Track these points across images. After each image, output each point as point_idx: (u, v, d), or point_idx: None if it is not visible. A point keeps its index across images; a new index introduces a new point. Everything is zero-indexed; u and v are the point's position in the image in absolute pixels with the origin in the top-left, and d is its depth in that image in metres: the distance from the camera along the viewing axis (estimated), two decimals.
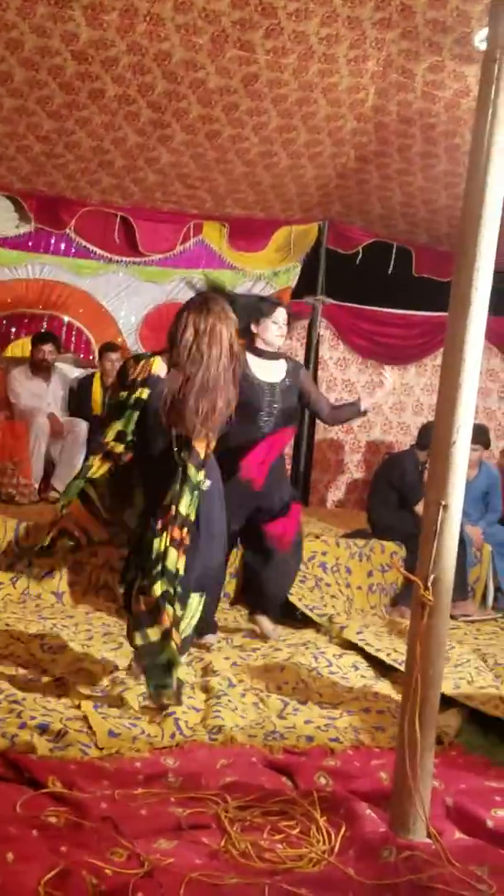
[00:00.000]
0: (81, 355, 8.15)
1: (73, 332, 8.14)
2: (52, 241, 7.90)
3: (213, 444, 4.23)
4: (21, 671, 4.49)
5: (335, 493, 9.00)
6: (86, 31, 5.43)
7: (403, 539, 6.79)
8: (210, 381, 4.07)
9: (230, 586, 6.28)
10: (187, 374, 4.06)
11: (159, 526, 4.02)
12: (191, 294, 4.56)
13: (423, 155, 6.87)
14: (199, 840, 2.99)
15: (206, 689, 4.45)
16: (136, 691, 4.27)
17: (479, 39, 3.22)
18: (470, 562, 6.89)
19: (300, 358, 8.87)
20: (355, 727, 4.18)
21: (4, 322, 8.03)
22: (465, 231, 3.08)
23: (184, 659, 4.35)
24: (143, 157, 6.93)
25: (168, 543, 3.99)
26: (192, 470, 4.04)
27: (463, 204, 3.12)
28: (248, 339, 5.39)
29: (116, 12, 5.29)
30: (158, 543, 4.01)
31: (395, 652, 5.38)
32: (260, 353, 5.42)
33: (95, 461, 4.12)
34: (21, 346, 7.88)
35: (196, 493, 4.06)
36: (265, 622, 5.66)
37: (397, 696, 4.43)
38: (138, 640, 4.02)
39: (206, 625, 5.14)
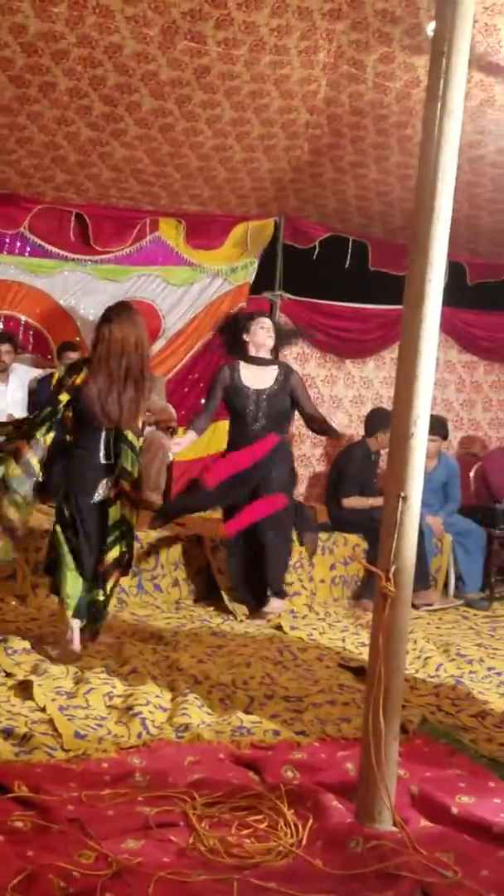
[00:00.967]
0: (39, 355, 8.09)
1: (31, 332, 8.08)
2: (7, 240, 7.82)
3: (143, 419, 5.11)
4: None
5: (298, 488, 9.02)
6: (34, 22, 5.36)
7: (362, 531, 6.83)
8: (118, 383, 4.80)
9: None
10: (98, 382, 4.78)
11: (112, 495, 4.85)
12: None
13: (376, 146, 6.88)
14: (167, 838, 3.00)
15: (172, 688, 4.46)
16: (101, 691, 4.27)
17: (431, 29, 3.23)
18: (431, 552, 6.95)
19: None
20: (321, 719, 4.20)
21: None
22: (419, 224, 3.10)
23: None
24: (96, 153, 6.88)
25: (120, 509, 4.86)
26: (131, 435, 4.87)
27: (415, 197, 3.15)
28: (242, 349, 6.10)
29: (65, 4, 5.21)
30: (114, 512, 4.85)
31: (342, 644, 5.46)
32: (252, 361, 6.02)
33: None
34: None
35: (135, 454, 4.89)
36: (277, 602, 6.04)
37: (362, 687, 4.46)
38: (100, 597, 4.84)
39: None
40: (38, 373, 7.76)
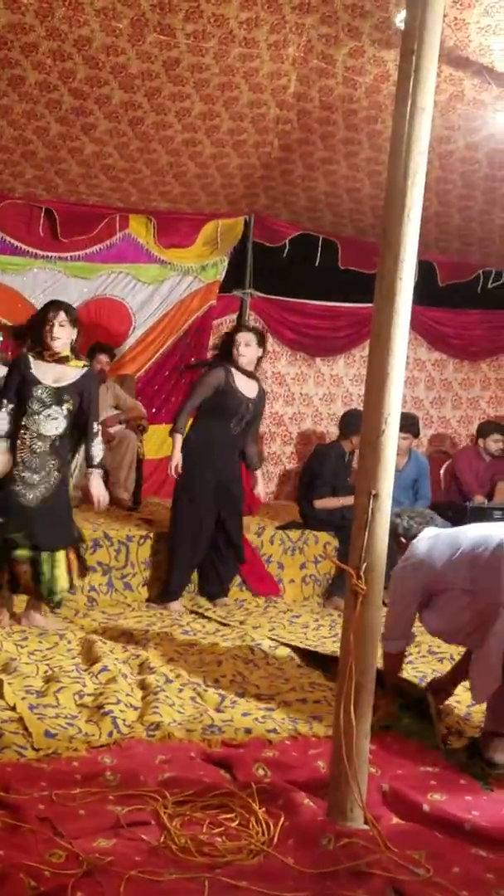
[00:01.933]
0: (10, 353, 8.04)
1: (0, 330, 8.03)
2: None
3: None
4: None
5: (268, 485, 9.02)
6: (3, 14, 5.30)
7: (333, 529, 6.84)
8: None
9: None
10: None
11: None
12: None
13: (345, 142, 6.88)
14: (139, 837, 2.99)
15: (143, 686, 4.44)
16: (71, 690, 4.25)
17: (400, 20, 3.23)
18: None
19: None
20: (293, 717, 4.20)
21: None
22: (389, 222, 3.10)
23: None
24: (66, 148, 6.83)
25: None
26: None
27: (385, 195, 3.15)
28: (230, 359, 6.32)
29: None
30: None
31: (306, 640, 5.50)
32: (241, 371, 6.30)
33: None
34: None
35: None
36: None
37: (333, 685, 4.47)
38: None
39: None
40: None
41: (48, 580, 5.20)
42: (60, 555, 5.24)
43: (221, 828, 3.11)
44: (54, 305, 5.38)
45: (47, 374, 5.25)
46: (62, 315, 5.27)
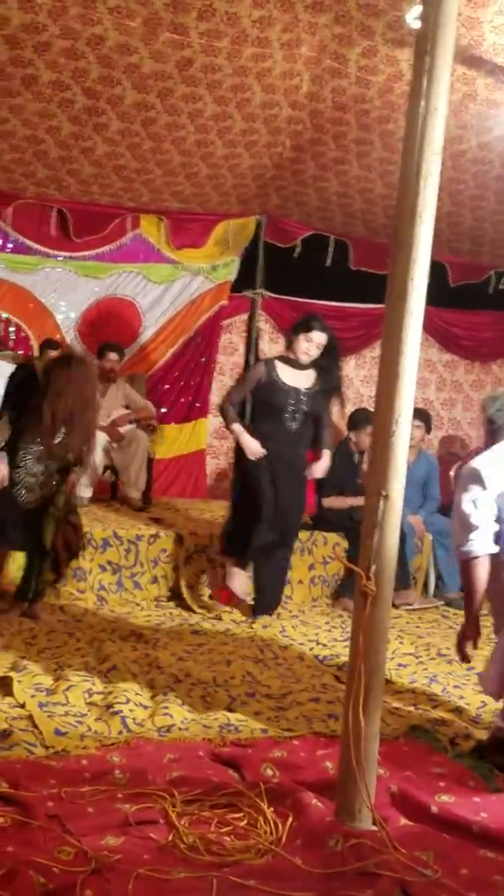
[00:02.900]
0: (21, 352, 8.06)
1: (11, 328, 8.06)
2: None
3: None
4: None
5: None
6: (17, 14, 5.31)
7: (342, 530, 6.83)
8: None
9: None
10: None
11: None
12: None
13: (357, 142, 6.87)
14: (147, 835, 2.99)
15: (151, 686, 4.45)
16: (81, 688, 4.25)
17: (412, 17, 3.22)
18: (411, 551, 6.95)
19: (240, 352, 8.89)
20: (307, 716, 4.20)
21: None
22: (401, 222, 3.10)
23: None
24: (78, 147, 6.85)
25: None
26: None
27: (398, 194, 3.14)
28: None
29: None
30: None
31: (316, 645, 5.49)
32: (289, 363, 5.95)
33: None
34: None
35: None
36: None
37: (342, 686, 4.47)
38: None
39: None
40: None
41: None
42: None
43: (229, 827, 3.11)
44: None
45: None
46: None
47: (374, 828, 3.07)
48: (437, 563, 7.29)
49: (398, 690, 4.72)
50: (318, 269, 8.59)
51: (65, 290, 8.11)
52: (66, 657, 4.78)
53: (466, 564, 3.66)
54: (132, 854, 2.84)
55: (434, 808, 3.29)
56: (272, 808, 3.20)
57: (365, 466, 6.66)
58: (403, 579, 6.56)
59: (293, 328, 6.04)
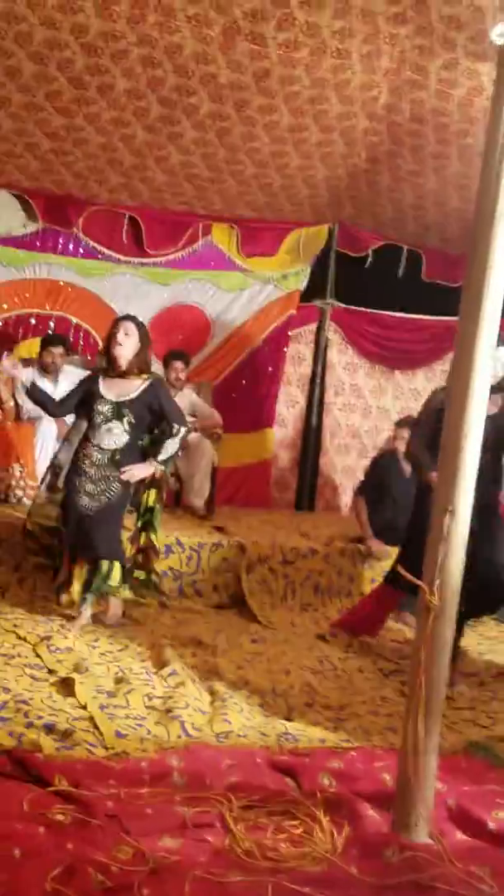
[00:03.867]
0: (90, 357, 8.16)
1: (81, 334, 8.16)
2: (60, 241, 7.89)
3: None
4: (28, 672, 4.50)
5: (346, 498, 8.99)
6: (95, 22, 5.35)
7: (394, 541, 6.74)
8: None
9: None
10: None
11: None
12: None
13: (435, 155, 6.83)
14: (204, 839, 3.00)
15: (210, 692, 4.47)
16: (141, 692, 4.30)
17: (497, 34, 3.20)
18: None
19: (308, 362, 8.88)
20: (365, 728, 4.20)
21: (11, 322, 8.04)
22: (479, 229, 3.07)
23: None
24: (152, 156, 6.89)
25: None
26: None
27: (476, 203, 3.12)
28: None
29: (126, 2, 5.19)
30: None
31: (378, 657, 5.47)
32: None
33: None
34: (28, 347, 7.87)
35: None
36: None
37: (402, 700, 4.45)
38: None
39: None
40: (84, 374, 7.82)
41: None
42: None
43: (286, 834, 3.12)
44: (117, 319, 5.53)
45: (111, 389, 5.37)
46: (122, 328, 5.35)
47: (431, 841, 3.06)
48: None
49: (458, 707, 4.69)
50: (390, 280, 8.55)
51: (134, 297, 8.17)
52: (127, 661, 4.82)
53: None
54: (189, 856, 2.86)
55: (492, 825, 3.27)
56: (328, 817, 3.21)
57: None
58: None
59: None
